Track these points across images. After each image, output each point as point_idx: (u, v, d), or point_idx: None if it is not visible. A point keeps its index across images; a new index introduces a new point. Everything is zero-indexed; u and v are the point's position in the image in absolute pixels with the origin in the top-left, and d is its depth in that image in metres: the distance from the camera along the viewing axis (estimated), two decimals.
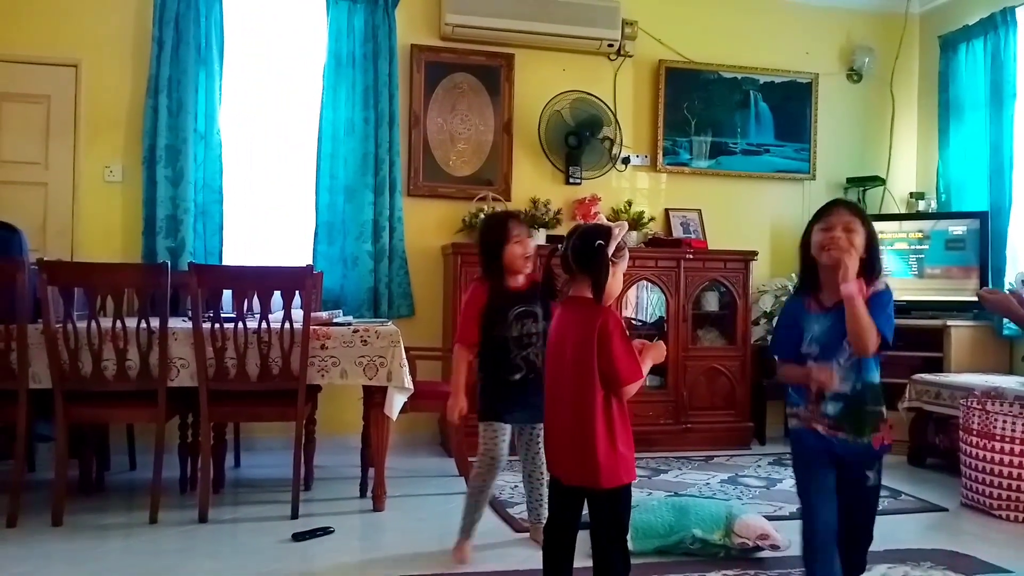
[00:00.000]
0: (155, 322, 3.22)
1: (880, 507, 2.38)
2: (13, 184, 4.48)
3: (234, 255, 4.72)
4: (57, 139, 4.54)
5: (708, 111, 5.41)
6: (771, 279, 5.33)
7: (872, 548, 2.32)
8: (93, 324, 3.16)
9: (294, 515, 3.32)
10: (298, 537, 3.06)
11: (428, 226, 4.99)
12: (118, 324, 3.19)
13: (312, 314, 3.37)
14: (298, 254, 4.78)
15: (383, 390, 3.40)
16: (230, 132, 4.73)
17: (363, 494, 3.68)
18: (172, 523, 3.25)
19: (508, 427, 2.88)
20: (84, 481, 3.66)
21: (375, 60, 4.78)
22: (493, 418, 2.84)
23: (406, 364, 3.41)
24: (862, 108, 5.73)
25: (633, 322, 5.04)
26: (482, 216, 4.70)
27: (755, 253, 5.07)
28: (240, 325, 3.27)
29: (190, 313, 3.38)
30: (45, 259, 3.25)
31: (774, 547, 2.96)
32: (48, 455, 3.83)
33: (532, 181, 5.14)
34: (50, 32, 4.51)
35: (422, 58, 4.97)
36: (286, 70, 4.89)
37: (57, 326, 3.14)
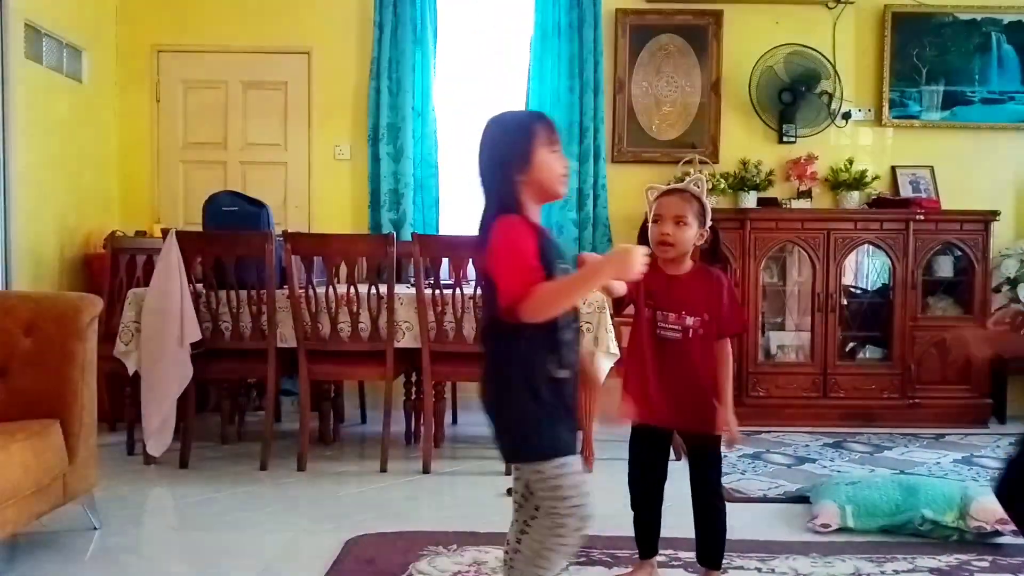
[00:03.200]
0: (383, 288, 3.47)
1: None
2: (258, 164, 5.00)
3: (449, 226, 4.97)
4: (294, 122, 5.00)
5: (941, 58, 4.93)
6: (1016, 241, 4.80)
7: None
8: (330, 290, 3.47)
9: (507, 471, 3.48)
10: (511, 492, 3.20)
11: (632, 193, 4.95)
12: (351, 290, 3.47)
13: None
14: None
15: (590, 355, 3.46)
16: (444, 108, 4.95)
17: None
18: (399, 472, 3.52)
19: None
20: (323, 432, 4.05)
21: (580, 28, 4.79)
22: (566, 451, 1.72)
23: (612, 330, 3.45)
24: None
25: (852, 289, 4.74)
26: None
27: (996, 213, 4.58)
28: (458, 291, 3.45)
29: (413, 280, 3.61)
30: (288, 231, 3.59)
31: (1016, 532, 2.71)
32: (292, 408, 4.27)
33: (741, 142, 4.95)
34: (285, 23, 4.95)
35: (627, 22, 4.92)
36: (495, 44, 5.03)
37: (300, 292, 3.48)
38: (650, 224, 2.20)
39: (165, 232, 3.57)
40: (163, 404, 3.44)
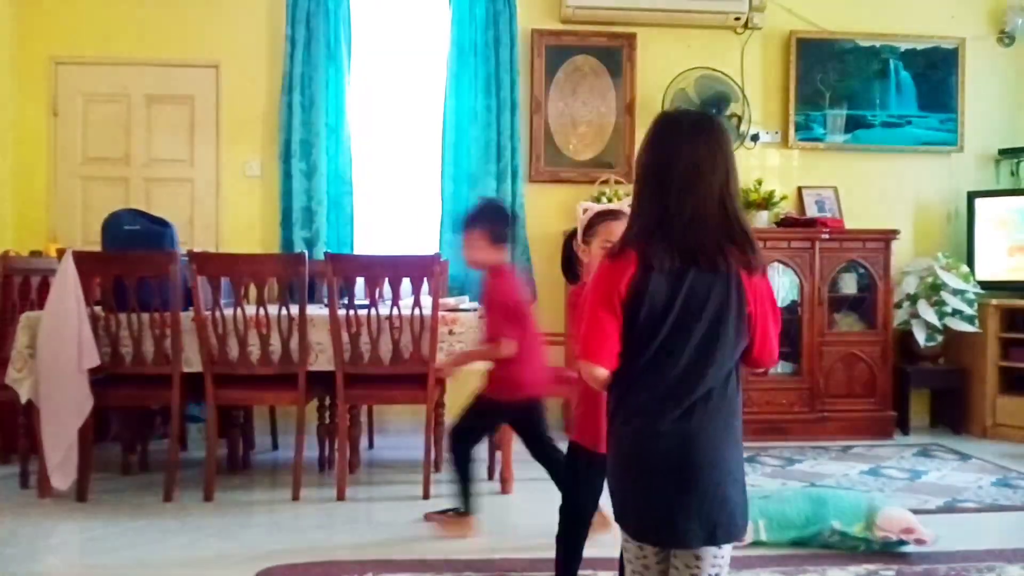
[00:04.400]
0: (294, 309, 3.37)
1: None
2: (163, 180, 4.81)
3: (364, 244, 4.88)
4: (201, 137, 4.83)
5: (844, 83, 5.14)
6: (915, 259, 5.03)
7: None
8: (239, 311, 3.35)
9: (425, 496, 3.42)
10: (429, 517, 3.14)
11: (549, 211, 4.99)
12: (261, 311, 3.36)
13: (440, 300, 3.44)
14: (424, 242, 4.89)
15: None
16: (358, 125, 4.88)
17: (491, 477, 3.74)
18: (313, 500, 3.41)
19: None
20: (231, 460, 3.90)
21: (496, 47, 4.80)
22: None
23: None
24: (1014, 74, 5.29)
25: None
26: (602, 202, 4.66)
27: (896, 232, 4.79)
28: (373, 311, 3.38)
29: (326, 300, 3.52)
30: (194, 251, 3.46)
31: (919, 541, 2.80)
32: (199, 435, 4.10)
33: None
34: (191, 35, 4.80)
35: (543, 42, 4.96)
36: (410, 62, 5.00)
37: (206, 313, 3.34)
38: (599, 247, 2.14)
39: (61, 252, 3.39)
40: (65, 434, 3.24)
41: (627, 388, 1.53)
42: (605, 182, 4.86)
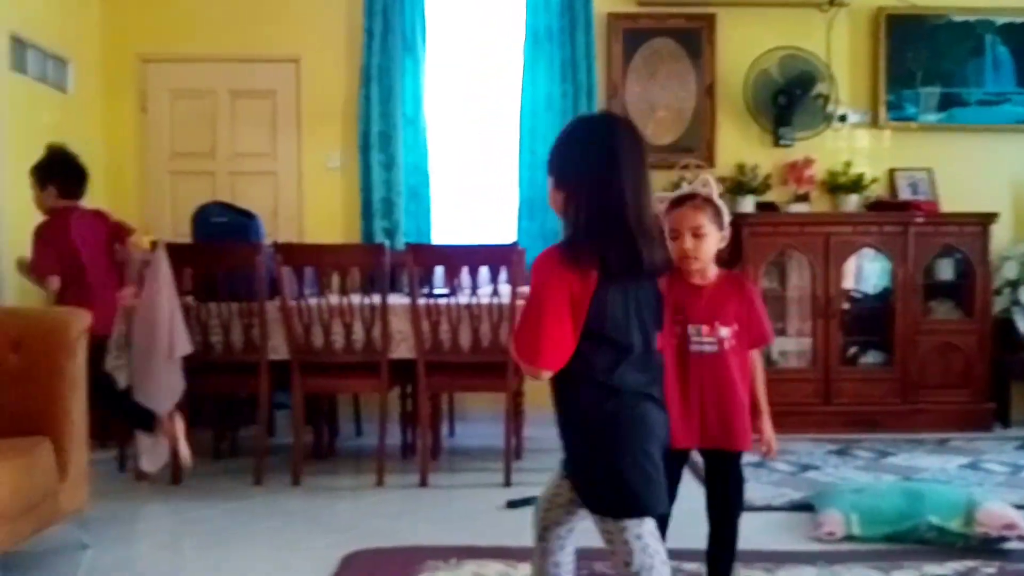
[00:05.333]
0: (376, 298, 3.41)
1: None
2: (247, 174, 4.93)
3: (442, 234, 4.91)
4: (283, 131, 4.94)
5: (937, 60, 4.90)
6: (1016, 244, 4.77)
7: None
8: (323, 301, 3.41)
9: (507, 483, 3.42)
10: (512, 504, 3.15)
11: None
12: (344, 300, 3.41)
13: (518, 288, 3.44)
14: (502, 230, 4.89)
15: None
16: (435, 115, 4.91)
17: None
18: (396, 486, 3.46)
19: None
20: (317, 446, 3.99)
21: (572, 33, 4.75)
22: None
23: None
24: None
25: (852, 294, 4.70)
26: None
27: (995, 215, 4.55)
28: (452, 300, 3.40)
29: (406, 289, 3.56)
30: (279, 242, 3.53)
31: (1022, 538, 2.66)
32: (286, 422, 4.20)
33: (737, 146, 4.91)
34: (273, 31, 4.89)
35: (619, 26, 4.88)
36: (486, 50, 4.99)
37: (292, 303, 3.41)
38: (667, 240, 2.03)
39: (154, 245, 3.51)
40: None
41: (589, 381, 1.60)
42: (685, 167, 4.76)
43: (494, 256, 3.45)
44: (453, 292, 3.41)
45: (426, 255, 3.55)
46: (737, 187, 4.68)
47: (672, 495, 2.04)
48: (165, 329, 3.35)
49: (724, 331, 2.05)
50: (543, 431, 4.31)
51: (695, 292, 2.07)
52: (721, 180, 4.72)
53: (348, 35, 4.88)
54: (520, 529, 2.90)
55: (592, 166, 1.59)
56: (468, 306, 3.40)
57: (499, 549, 2.64)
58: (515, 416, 3.78)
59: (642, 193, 1.58)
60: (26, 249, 3.56)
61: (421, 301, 3.41)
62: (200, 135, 4.94)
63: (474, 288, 3.42)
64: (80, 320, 2.62)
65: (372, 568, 2.48)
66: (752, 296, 2.12)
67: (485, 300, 3.40)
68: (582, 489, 1.66)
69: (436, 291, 3.59)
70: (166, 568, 2.67)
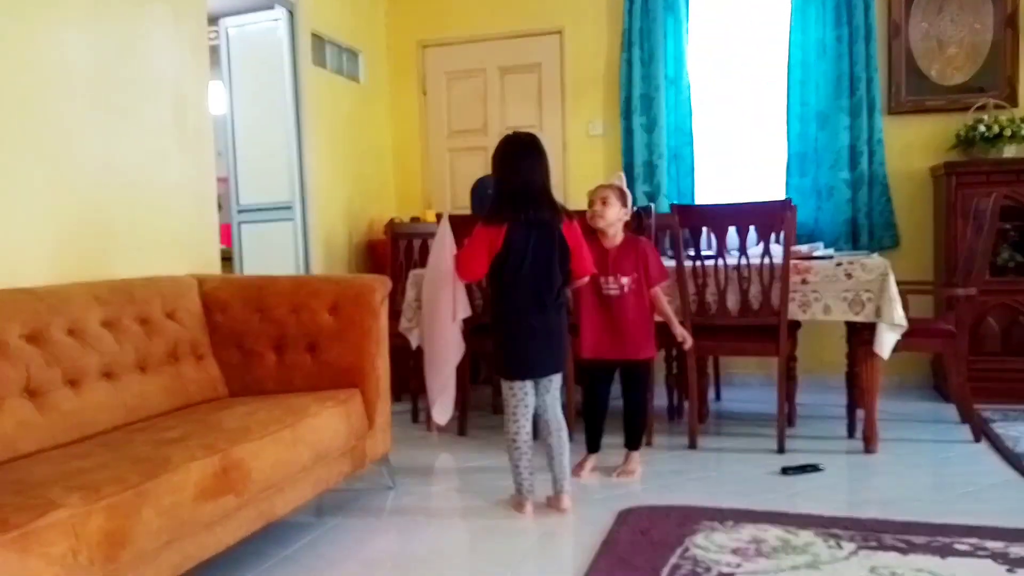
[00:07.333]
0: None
1: None
2: None
3: (705, 195, 4.83)
4: (548, 102, 5.11)
5: None
6: None
7: None
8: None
9: (780, 449, 3.34)
10: (787, 471, 3.07)
11: (913, 146, 4.51)
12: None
13: (791, 248, 3.30)
14: (768, 188, 4.71)
15: (871, 327, 3.20)
16: (697, 74, 4.81)
17: (851, 435, 3.54)
18: (664, 447, 3.51)
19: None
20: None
21: None
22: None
23: (898, 299, 3.16)
24: None
25: None
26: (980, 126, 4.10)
27: None
28: (720, 262, 3.35)
29: (670, 252, 3.55)
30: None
31: None
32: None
33: None
34: (536, 5, 5.06)
35: None
36: (750, 0, 4.79)
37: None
38: (588, 207, 3.08)
39: (438, 217, 3.80)
40: (443, 375, 3.68)
41: (505, 297, 2.71)
42: (982, 107, 4.26)
43: (765, 214, 3.33)
44: (720, 254, 3.35)
45: (693, 216, 3.50)
46: None
47: (605, 394, 3.16)
48: (449, 295, 3.63)
49: (624, 280, 3.02)
50: (816, 397, 4.16)
51: (604, 253, 3.03)
52: None
53: (609, 1, 4.92)
54: (796, 496, 2.85)
55: (500, 165, 2.75)
56: (737, 267, 3.33)
57: (776, 514, 2.60)
58: (787, 380, 3.66)
59: (530, 179, 2.66)
60: (331, 226, 4.00)
61: (687, 263, 3.39)
62: (473, 112, 5.26)
63: (742, 248, 3.33)
64: (384, 285, 2.93)
65: (648, 524, 2.55)
66: (646, 251, 3.06)
67: (755, 261, 3.30)
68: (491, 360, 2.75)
69: (703, 253, 3.53)
70: (457, 512, 2.92)
